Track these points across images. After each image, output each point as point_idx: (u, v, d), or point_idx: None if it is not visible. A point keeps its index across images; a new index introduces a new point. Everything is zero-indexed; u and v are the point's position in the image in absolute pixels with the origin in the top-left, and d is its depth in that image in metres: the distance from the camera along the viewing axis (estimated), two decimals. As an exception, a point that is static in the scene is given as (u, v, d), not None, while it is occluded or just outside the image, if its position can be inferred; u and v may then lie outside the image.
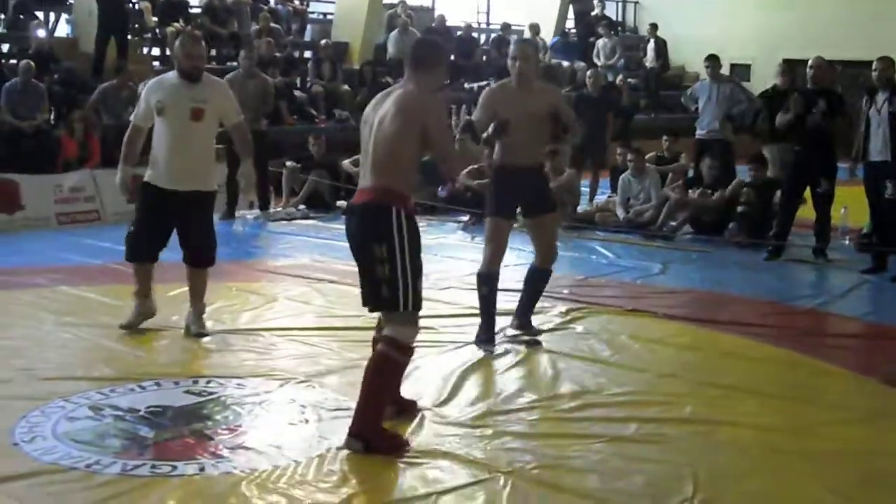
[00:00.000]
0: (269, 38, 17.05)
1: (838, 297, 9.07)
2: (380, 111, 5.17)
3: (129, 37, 16.21)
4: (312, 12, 21.70)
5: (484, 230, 7.29)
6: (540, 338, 7.25)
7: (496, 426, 5.57)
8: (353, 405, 5.23)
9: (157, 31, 17.13)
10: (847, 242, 11.31)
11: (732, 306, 8.68)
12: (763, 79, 19.83)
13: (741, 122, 13.32)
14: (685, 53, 23.54)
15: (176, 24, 16.31)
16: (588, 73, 15.16)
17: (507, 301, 7.35)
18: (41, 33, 15.58)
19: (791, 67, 11.99)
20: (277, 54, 17.15)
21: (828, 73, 11.19)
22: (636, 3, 26.39)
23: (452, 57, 19.59)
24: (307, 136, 14.53)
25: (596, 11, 23.85)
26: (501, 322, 7.40)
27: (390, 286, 5.01)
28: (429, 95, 5.22)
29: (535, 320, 7.43)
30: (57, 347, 7.01)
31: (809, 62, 10.79)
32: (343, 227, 5.41)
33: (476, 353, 6.92)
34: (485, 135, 6.61)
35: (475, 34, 22.52)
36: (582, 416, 5.79)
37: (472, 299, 7.34)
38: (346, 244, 5.30)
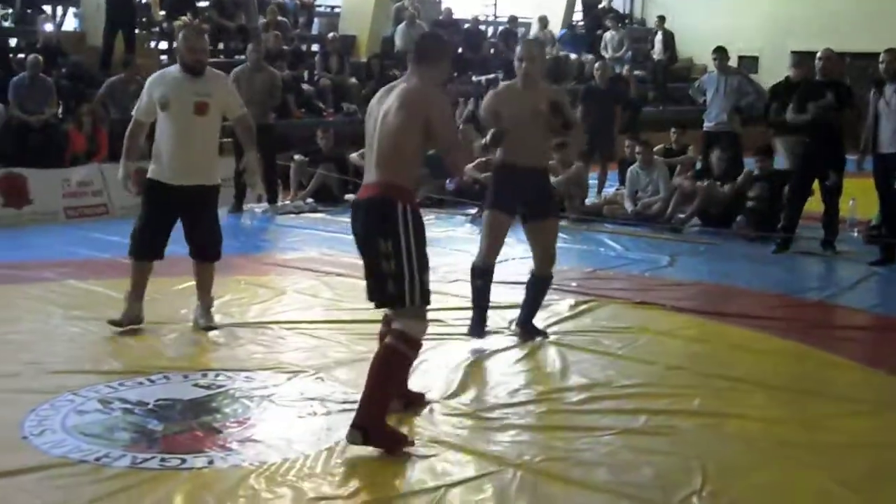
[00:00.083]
0: (276, 32, 17.06)
1: (847, 290, 9.05)
2: (384, 105, 5.15)
3: (137, 31, 16.22)
4: (320, 5, 21.69)
5: (482, 223, 7.25)
6: (548, 330, 7.25)
7: (505, 419, 5.58)
8: (362, 398, 5.23)
9: (165, 24, 17.12)
10: (855, 234, 11.31)
11: (741, 299, 8.67)
12: (771, 71, 19.85)
13: (749, 115, 13.32)
14: (693, 46, 23.49)
15: (184, 18, 16.28)
16: (596, 65, 15.17)
17: (513, 293, 7.35)
18: (49, 27, 15.60)
19: (804, 60, 11.95)
20: (285, 47, 17.15)
21: (837, 64, 11.18)
22: (643, -5, 26.39)
23: (460, 50, 19.60)
24: (315, 129, 14.54)
25: (603, 4, 23.84)
26: (507, 314, 7.42)
27: (396, 282, 5.00)
28: (433, 89, 5.20)
29: (544, 313, 7.42)
30: (65, 341, 7.03)
31: (818, 54, 10.75)
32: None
33: (484, 345, 6.92)
34: (484, 140, 6.62)
35: (482, 27, 22.49)
36: (590, 408, 5.79)
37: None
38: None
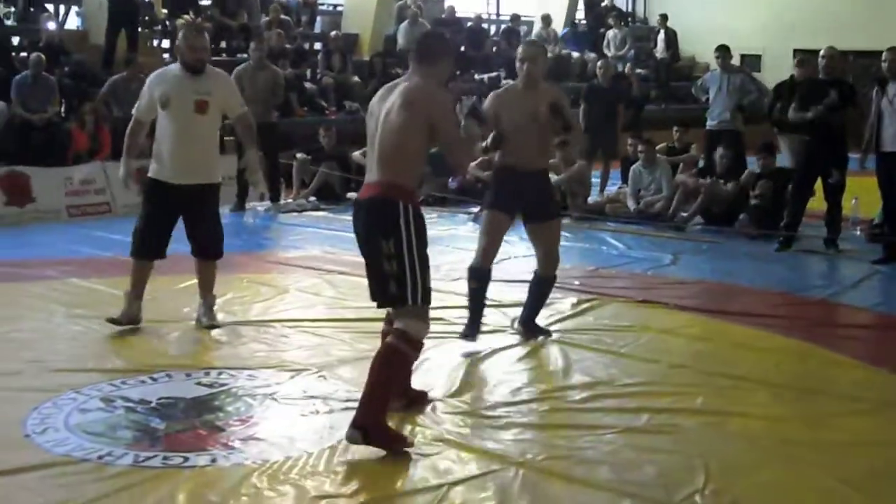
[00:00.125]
0: (279, 30, 17.06)
1: (849, 288, 9.04)
2: (385, 104, 5.13)
3: (140, 29, 16.22)
4: (322, 4, 21.69)
5: (480, 223, 7.20)
6: (550, 329, 7.25)
7: (507, 417, 5.58)
8: (365, 396, 5.23)
9: (168, 23, 17.13)
10: (858, 233, 11.30)
11: (743, 297, 8.66)
12: (773, 69, 19.83)
13: (752, 113, 13.30)
14: (695, 44, 23.49)
15: (186, 17, 16.29)
16: (598, 63, 15.17)
17: (516, 291, 7.34)
18: (51, 26, 15.60)
19: (809, 59, 11.94)
20: (287, 46, 17.15)
21: (840, 62, 11.15)
22: (646, -7, 26.39)
23: (462, 48, 19.59)
24: (317, 127, 14.56)
25: (606, 2, 23.83)
26: (511, 312, 7.42)
27: (398, 282, 4.98)
28: (435, 88, 5.18)
29: (546, 311, 7.41)
30: (68, 339, 7.03)
31: (821, 52, 10.74)
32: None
33: (486, 344, 6.91)
34: (484, 144, 6.61)
35: (485, 25, 22.50)
36: (593, 406, 5.78)
37: (483, 290, 7.32)
38: (356, 236, 5.30)
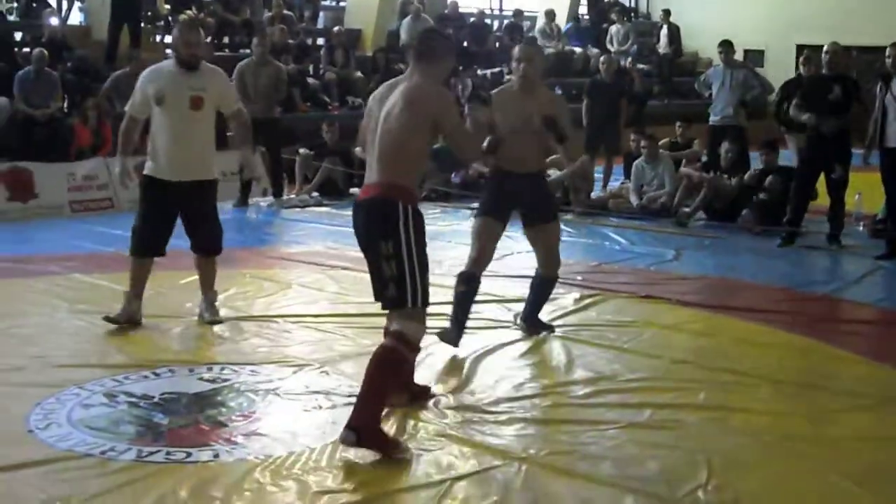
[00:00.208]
0: (281, 26, 17.07)
1: (852, 284, 9.04)
2: (386, 104, 5.09)
3: (142, 24, 16.24)
4: (325, -1, 21.72)
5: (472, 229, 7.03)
6: (553, 324, 7.25)
7: (510, 412, 5.57)
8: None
9: (170, 18, 17.12)
10: (861, 228, 11.29)
11: (746, 292, 8.66)
12: (776, 65, 19.84)
13: (755, 108, 13.29)
14: (698, 39, 23.48)
15: (189, 12, 16.32)
16: (601, 59, 15.15)
17: (518, 286, 7.34)
18: (54, 21, 15.62)
19: (817, 56, 11.94)
20: (290, 41, 17.16)
21: (843, 58, 11.13)
22: (649, -12, 26.37)
23: (465, 44, 19.59)
24: (320, 123, 14.53)
25: (608, -3, 23.81)
26: (513, 307, 7.42)
27: (397, 284, 4.95)
28: (436, 87, 5.14)
29: (549, 306, 7.39)
30: (71, 335, 7.03)
31: (825, 48, 10.72)
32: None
33: (490, 339, 6.91)
34: (483, 146, 6.54)
35: (488, 20, 22.48)
36: (596, 402, 5.78)
37: (487, 286, 7.28)
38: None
